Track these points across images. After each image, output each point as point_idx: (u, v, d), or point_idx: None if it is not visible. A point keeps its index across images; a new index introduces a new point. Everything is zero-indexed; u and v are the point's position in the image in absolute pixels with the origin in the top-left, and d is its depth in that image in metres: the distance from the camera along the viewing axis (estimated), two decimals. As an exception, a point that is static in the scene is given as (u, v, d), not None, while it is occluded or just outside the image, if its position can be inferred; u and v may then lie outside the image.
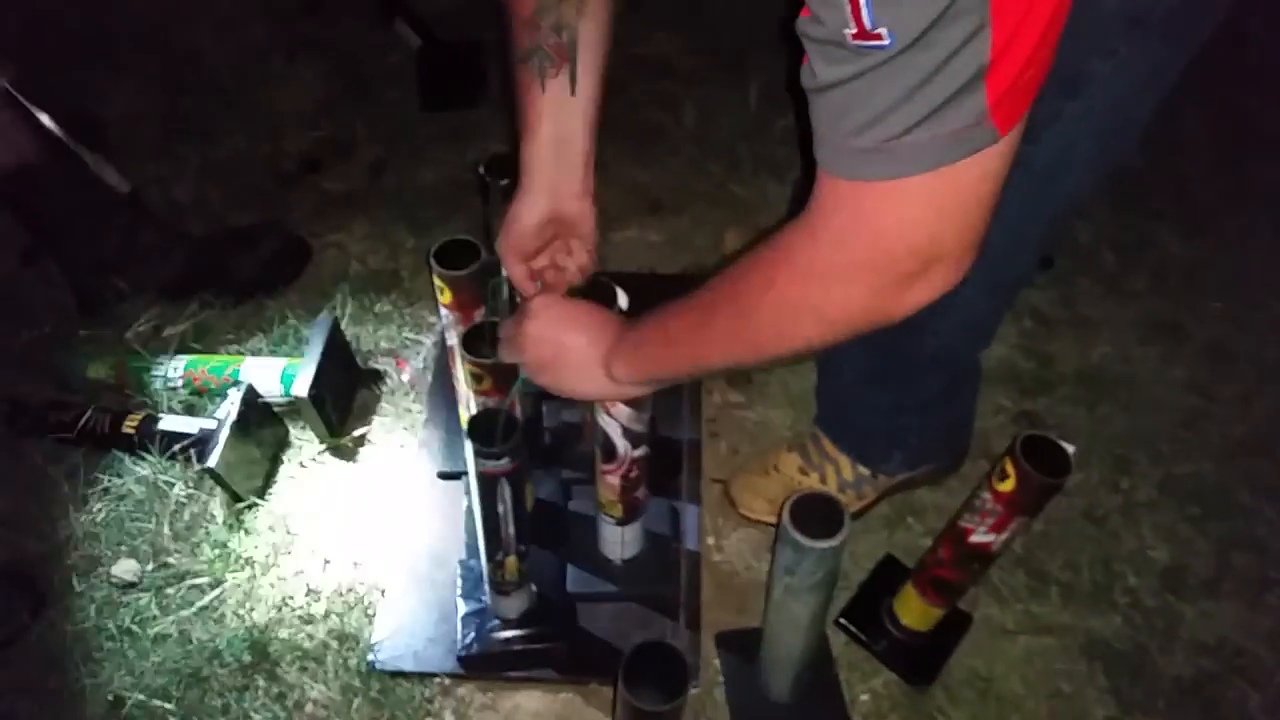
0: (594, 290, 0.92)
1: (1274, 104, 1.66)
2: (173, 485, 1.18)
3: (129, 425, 1.20)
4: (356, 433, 1.26)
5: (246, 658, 1.06)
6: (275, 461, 1.23)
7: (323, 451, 1.24)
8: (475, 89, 1.73)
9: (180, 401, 1.27)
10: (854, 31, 0.49)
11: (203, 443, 1.15)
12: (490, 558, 0.95)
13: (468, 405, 1.05)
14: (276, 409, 1.24)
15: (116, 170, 1.27)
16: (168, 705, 1.03)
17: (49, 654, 1.07)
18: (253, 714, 1.02)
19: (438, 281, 0.98)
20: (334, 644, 1.07)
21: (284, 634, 1.08)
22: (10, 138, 1.18)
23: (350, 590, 1.11)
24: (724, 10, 1.85)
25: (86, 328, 1.37)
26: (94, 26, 1.74)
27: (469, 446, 0.84)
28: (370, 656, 1.05)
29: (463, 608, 1.05)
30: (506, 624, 1.03)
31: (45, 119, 1.17)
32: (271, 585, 1.12)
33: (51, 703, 1.04)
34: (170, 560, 1.13)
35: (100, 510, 1.17)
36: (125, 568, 1.12)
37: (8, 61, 1.15)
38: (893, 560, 1.13)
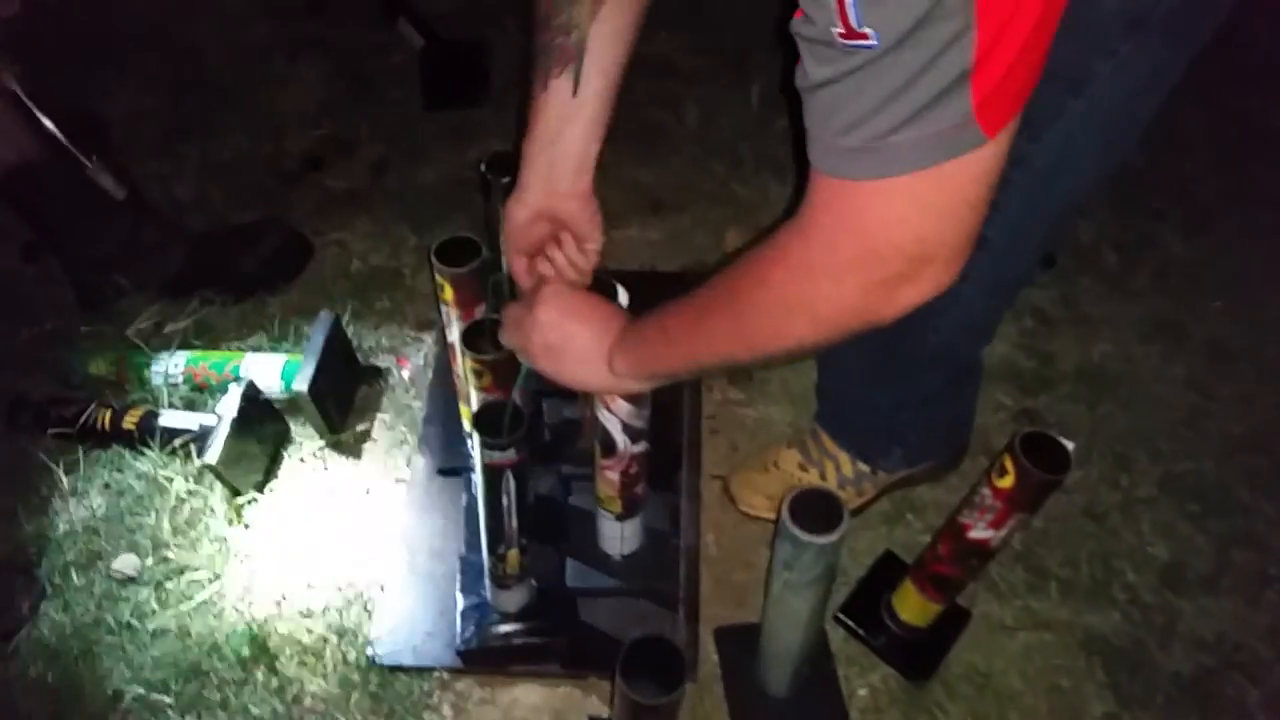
0: (595, 288, 0.92)
1: (1275, 103, 1.67)
2: (173, 480, 1.18)
3: (130, 421, 1.21)
4: (357, 429, 1.26)
5: (246, 652, 1.06)
6: (275, 457, 1.23)
7: (323, 448, 1.24)
8: (478, 88, 1.73)
9: (181, 397, 1.27)
10: (841, 31, 0.50)
11: (203, 438, 1.15)
12: (492, 551, 0.95)
13: (468, 402, 1.05)
14: (277, 405, 1.25)
15: (115, 175, 1.27)
16: (167, 699, 1.03)
17: (48, 648, 1.07)
18: (251, 708, 1.02)
19: (439, 279, 0.98)
20: (333, 638, 1.07)
21: (283, 628, 1.08)
22: (12, 135, 1.19)
23: (349, 585, 1.12)
24: (726, 10, 1.85)
25: (87, 324, 1.37)
26: (97, 25, 1.74)
27: (475, 438, 0.84)
28: (369, 651, 1.05)
29: (462, 602, 1.05)
30: (506, 618, 1.03)
31: (46, 120, 1.17)
32: (271, 580, 1.12)
33: (51, 696, 1.04)
34: (170, 555, 1.13)
35: (100, 505, 1.18)
36: (125, 562, 1.12)
37: (11, 60, 1.15)
38: (892, 556, 1.14)
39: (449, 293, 0.99)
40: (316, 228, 1.51)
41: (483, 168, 0.96)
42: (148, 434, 1.20)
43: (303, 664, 1.05)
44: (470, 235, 0.98)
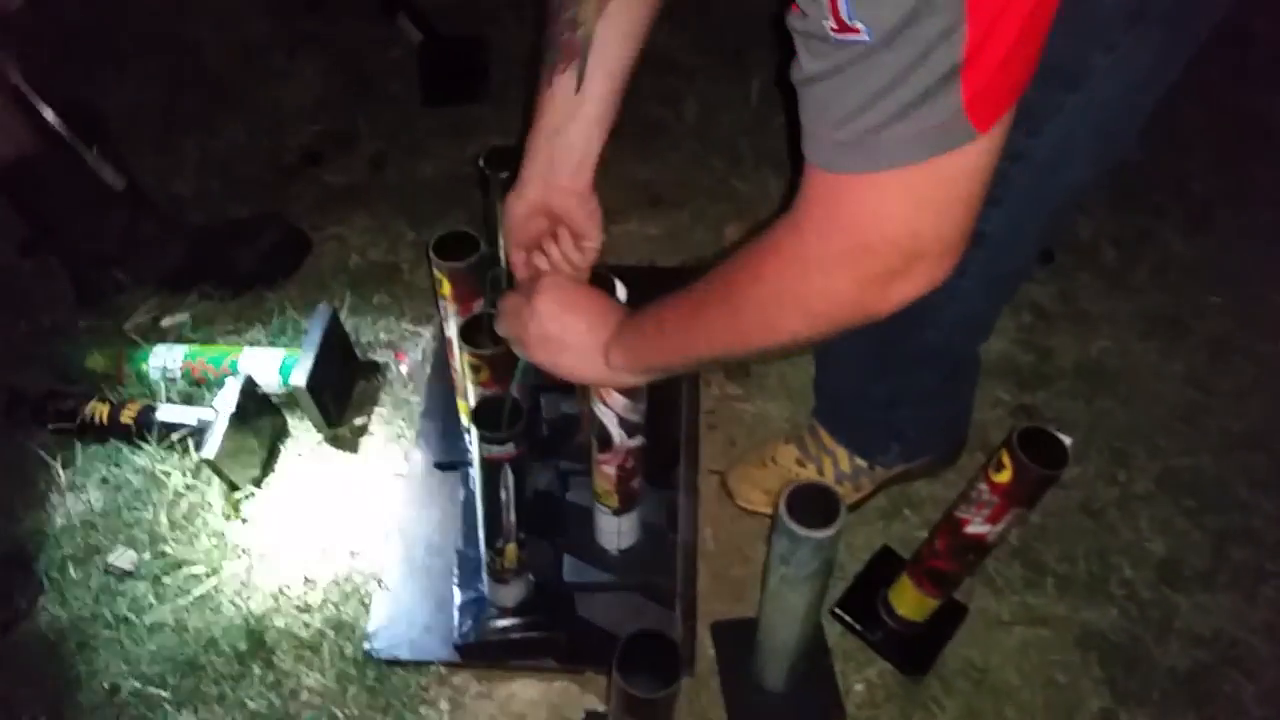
0: (593, 283, 0.92)
1: (1275, 100, 1.66)
2: (170, 475, 1.18)
3: (127, 415, 1.21)
4: (355, 423, 1.26)
5: (243, 646, 1.06)
6: (273, 452, 1.23)
7: (321, 442, 1.25)
8: (476, 84, 1.73)
9: (179, 392, 1.27)
10: (834, 25, 0.50)
11: (201, 433, 1.15)
12: (490, 545, 0.95)
13: (466, 397, 1.05)
14: (275, 400, 1.25)
15: (114, 166, 1.27)
16: (163, 693, 1.03)
17: (46, 642, 1.07)
18: (248, 702, 1.03)
19: (437, 274, 0.98)
20: (330, 632, 1.07)
21: (280, 622, 1.08)
22: (10, 129, 1.18)
23: (347, 579, 1.12)
24: (726, 7, 1.85)
25: (85, 318, 1.38)
26: (97, 20, 1.74)
27: (473, 433, 0.84)
28: (366, 645, 1.05)
29: (459, 597, 1.06)
30: (503, 613, 1.03)
31: (46, 112, 1.17)
32: (268, 574, 1.12)
33: (48, 690, 1.04)
34: (167, 549, 1.13)
35: (98, 499, 1.18)
36: (123, 556, 1.12)
37: (10, 53, 1.15)
38: (889, 551, 1.14)
39: (447, 287, 0.99)
40: (315, 223, 1.51)
41: (481, 163, 0.96)
42: (145, 428, 1.20)
43: (300, 658, 1.05)
44: (469, 230, 0.98)
